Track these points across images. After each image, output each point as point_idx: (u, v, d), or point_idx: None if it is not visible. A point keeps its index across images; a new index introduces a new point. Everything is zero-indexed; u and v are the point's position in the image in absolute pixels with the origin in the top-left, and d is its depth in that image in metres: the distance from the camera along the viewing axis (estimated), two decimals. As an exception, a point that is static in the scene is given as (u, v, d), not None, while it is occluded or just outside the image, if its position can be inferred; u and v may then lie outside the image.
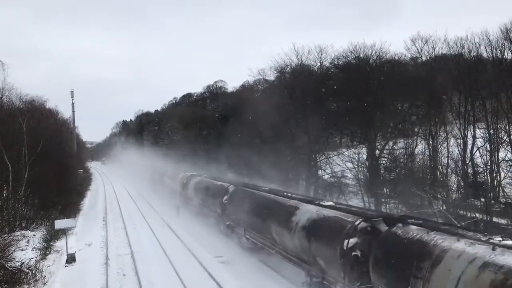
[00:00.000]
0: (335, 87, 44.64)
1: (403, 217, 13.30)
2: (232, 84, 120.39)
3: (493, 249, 8.88)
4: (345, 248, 13.16)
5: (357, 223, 13.40)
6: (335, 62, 46.38)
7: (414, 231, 11.41)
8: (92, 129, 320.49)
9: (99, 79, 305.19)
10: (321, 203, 17.07)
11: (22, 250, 22.39)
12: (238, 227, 24.44)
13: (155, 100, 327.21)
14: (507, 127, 30.29)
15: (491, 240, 9.36)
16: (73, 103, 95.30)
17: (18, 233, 25.78)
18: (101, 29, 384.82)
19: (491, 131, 30.74)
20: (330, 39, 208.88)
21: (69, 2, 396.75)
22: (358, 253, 13.05)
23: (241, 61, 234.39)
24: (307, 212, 16.49)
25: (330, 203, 17.08)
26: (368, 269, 12.50)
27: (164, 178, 50.56)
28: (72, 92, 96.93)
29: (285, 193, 21.49)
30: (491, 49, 32.62)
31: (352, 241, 13.13)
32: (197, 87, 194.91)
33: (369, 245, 12.78)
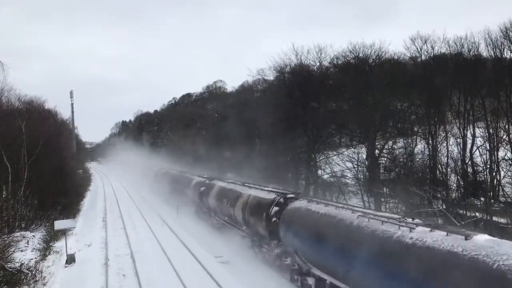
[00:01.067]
0: (334, 86, 44.69)
1: (215, 176, 34.37)
2: (231, 84, 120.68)
3: (261, 189, 22.51)
4: (200, 191, 32.33)
5: (205, 181, 32.94)
6: (334, 62, 46.47)
7: (225, 183, 28.94)
8: (91, 129, 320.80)
9: (98, 78, 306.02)
10: (203, 175, 35.91)
11: (21, 251, 22.36)
12: (178, 196, 40.70)
13: (155, 100, 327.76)
14: (506, 126, 30.30)
15: (266, 188, 22.73)
16: (72, 104, 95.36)
17: (18, 234, 25.73)
18: (100, 28, 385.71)
19: (491, 130, 30.76)
20: (328, 38, 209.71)
21: (68, 2, 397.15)
22: (202, 191, 31.77)
23: (240, 61, 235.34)
24: (196, 180, 35.79)
25: (206, 175, 35.81)
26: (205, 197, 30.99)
27: (147, 171, 68.25)
28: (71, 93, 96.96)
29: (192, 173, 40.70)
30: (492, 48, 32.66)
31: (203, 188, 31.96)
32: (196, 87, 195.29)
33: (204, 188, 31.68)
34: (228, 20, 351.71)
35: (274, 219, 18.56)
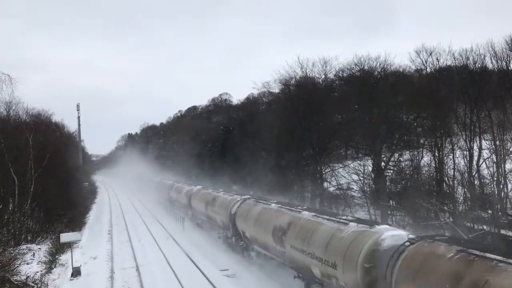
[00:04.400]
0: (339, 99, 44.74)
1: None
2: (237, 96, 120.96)
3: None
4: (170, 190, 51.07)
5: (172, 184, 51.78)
6: (340, 74, 46.60)
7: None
8: (98, 142, 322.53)
9: (100, 91, 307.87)
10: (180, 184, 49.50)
11: (27, 263, 22.42)
12: (161, 195, 55.55)
13: (161, 113, 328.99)
14: (513, 139, 30.11)
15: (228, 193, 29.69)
16: (79, 117, 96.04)
17: (24, 246, 25.82)
18: (99, 41, 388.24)
19: (497, 143, 30.56)
20: (327, 49, 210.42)
21: (70, 15, 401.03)
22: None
23: (242, 72, 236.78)
24: (165, 182, 57.23)
25: (175, 181, 53.74)
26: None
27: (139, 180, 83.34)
28: (78, 106, 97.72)
29: (164, 179, 60.19)
30: (496, 60, 32.61)
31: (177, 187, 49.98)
32: (202, 100, 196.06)
33: None
34: (228, 33, 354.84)
35: None
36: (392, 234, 12.21)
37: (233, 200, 26.88)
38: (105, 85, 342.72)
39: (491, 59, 32.65)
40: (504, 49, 32.02)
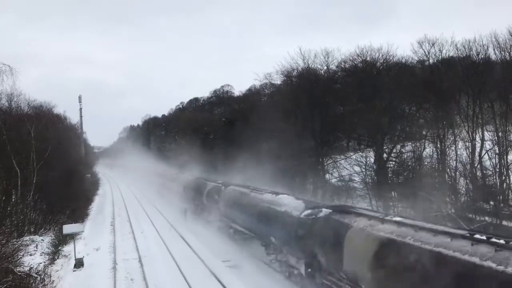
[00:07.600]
0: (342, 90, 44.62)
1: None
2: (238, 88, 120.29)
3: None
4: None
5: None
6: (342, 66, 46.38)
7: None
8: (100, 134, 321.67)
9: (100, 84, 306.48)
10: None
11: (30, 255, 22.51)
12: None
13: (163, 105, 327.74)
14: (516, 130, 30.03)
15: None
16: (80, 108, 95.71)
17: (27, 238, 25.93)
18: (97, 35, 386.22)
19: (500, 134, 30.49)
20: (326, 40, 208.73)
21: (68, 8, 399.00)
22: None
23: (247, 65, 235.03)
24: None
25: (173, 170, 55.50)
26: None
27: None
28: (80, 98, 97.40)
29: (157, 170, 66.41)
30: (500, 51, 32.42)
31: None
32: (204, 92, 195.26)
33: None
34: (228, 25, 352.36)
35: None
36: (231, 187, 28.65)
37: None
38: (105, 78, 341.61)
39: (494, 50, 32.48)
40: (507, 40, 31.83)
